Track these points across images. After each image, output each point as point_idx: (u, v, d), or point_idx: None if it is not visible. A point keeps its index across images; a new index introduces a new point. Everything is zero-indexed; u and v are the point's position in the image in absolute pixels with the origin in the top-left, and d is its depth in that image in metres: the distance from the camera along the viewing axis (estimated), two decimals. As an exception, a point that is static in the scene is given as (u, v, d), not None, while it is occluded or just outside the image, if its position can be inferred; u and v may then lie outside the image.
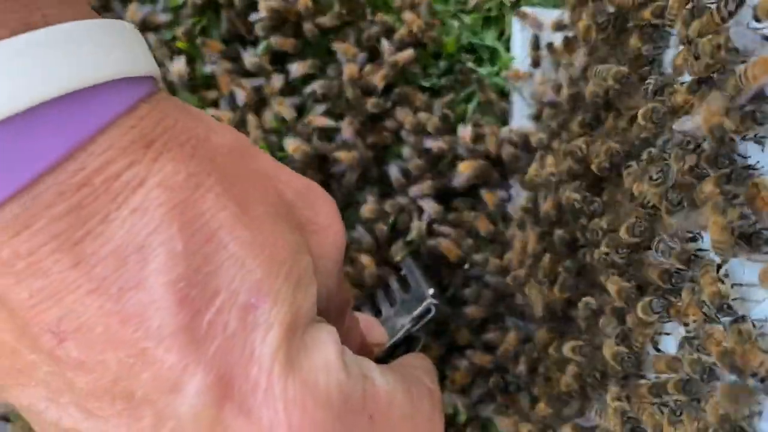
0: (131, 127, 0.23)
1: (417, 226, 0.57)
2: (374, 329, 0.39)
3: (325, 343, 0.26)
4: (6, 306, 0.22)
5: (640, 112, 0.34)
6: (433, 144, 0.58)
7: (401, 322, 0.46)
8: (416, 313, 0.46)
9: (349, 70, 0.58)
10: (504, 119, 0.60)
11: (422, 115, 0.59)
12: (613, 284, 0.37)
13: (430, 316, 0.46)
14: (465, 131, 0.58)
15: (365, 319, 0.39)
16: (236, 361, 0.23)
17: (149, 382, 0.23)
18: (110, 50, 0.23)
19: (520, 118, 0.59)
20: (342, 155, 0.58)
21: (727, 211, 0.28)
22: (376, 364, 0.29)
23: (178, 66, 0.60)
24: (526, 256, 0.50)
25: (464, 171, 0.57)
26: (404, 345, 0.44)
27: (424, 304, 0.47)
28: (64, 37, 0.22)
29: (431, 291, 0.50)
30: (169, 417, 0.23)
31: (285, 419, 0.24)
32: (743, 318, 0.29)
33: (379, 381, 0.28)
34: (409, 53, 0.59)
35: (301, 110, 0.61)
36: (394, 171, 0.59)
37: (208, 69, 0.61)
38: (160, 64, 0.62)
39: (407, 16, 0.60)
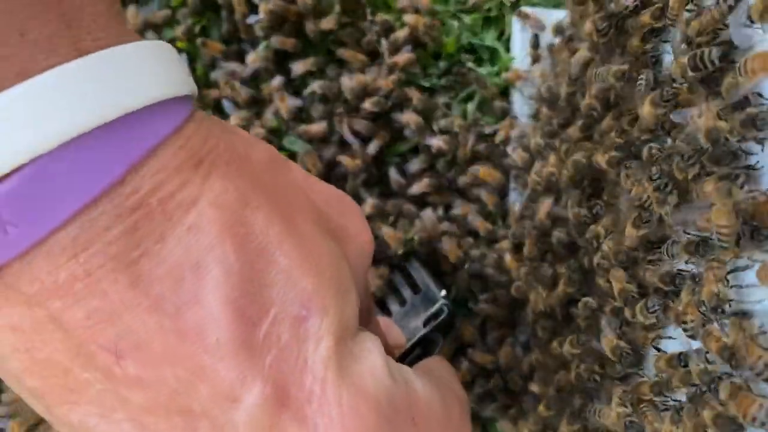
0: (180, 147, 0.23)
1: (421, 224, 0.57)
2: (392, 331, 0.41)
3: (371, 350, 0.27)
4: (61, 327, 0.22)
5: (646, 111, 0.34)
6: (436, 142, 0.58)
7: (414, 323, 0.46)
8: (429, 314, 0.46)
9: (358, 80, 0.58)
10: (504, 119, 0.60)
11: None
12: (615, 281, 0.37)
13: (443, 317, 0.46)
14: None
15: (382, 321, 0.39)
16: (291, 371, 0.24)
17: (207, 396, 0.23)
18: (156, 71, 0.23)
19: (521, 118, 0.59)
20: (347, 162, 0.58)
21: (732, 191, 0.28)
22: (414, 374, 0.30)
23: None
24: (525, 259, 0.50)
25: (484, 177, 0.58)
26: (421, 347, 0.44)
27: (437, 305, 0.47)
28: (114, 61, 0.22)
29: (443, 292, 0.50)
30: (226, 429, 0.24)
31: (340, 424, 0.25)
32: (744, 314, 0.29)
33: (419, 387, 0.29)
34: (408, 56, 0.59)
35: (301, 110, 0.61)
36: (393, 173, 0.59)
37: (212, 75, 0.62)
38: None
39: (409, 18, 0.60)
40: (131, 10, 0.61)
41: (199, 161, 0.24)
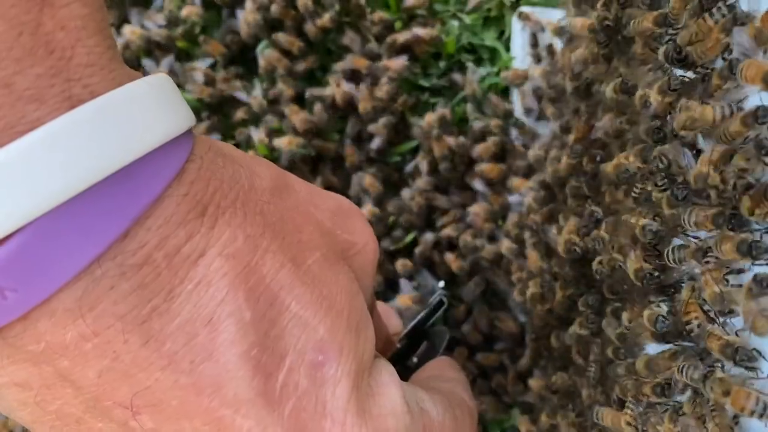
0: (184, 195, 0.22)
1: (424, 241, 0.57)
2: (391, 318, 0.40)
3: (388, 385, 0.27)
4: (73, 384, 0.22)
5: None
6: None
7: (417, 314, 0.46)
8: (428, 304, 0.45)
9: (363, 105, 0.59)
10: (504, 119, 0.60)
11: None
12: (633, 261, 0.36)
13: (444, 308, 0.45)
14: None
15: (382, 309, 0.39)
16: (310, 418, 0.24)
17: None
18: (153, 114, 0.22)
19: (521, 118, 0.59)
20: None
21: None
22: (426, 393, 0.30)
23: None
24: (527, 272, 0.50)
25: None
26: (429, 339, 0.43)
27: (435, 295, 0.46)
28: (108, 111, 0.21)
29: (441, 283, 0.49)
30: None
31: None
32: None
33: (433, 412, 0.29)
34: (401, 62, 0.59)
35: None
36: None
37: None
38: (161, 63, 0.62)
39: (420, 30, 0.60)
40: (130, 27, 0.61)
41: (204, 208, 0.23)
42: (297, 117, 0.59)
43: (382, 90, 0.58)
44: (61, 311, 0.21)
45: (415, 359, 0.41)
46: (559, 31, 0.53)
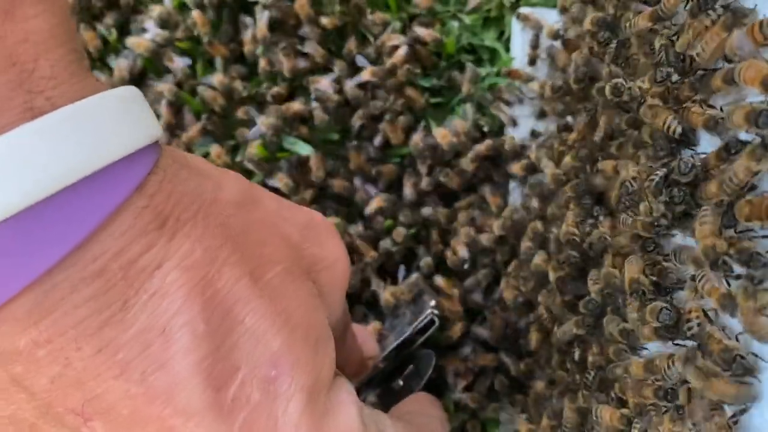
0: (144, 207, 0.23)
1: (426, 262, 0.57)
2: (367, 342, 0.40)
3: (346, 404, 0.27)
4: (26, 390, 0.22)
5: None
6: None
7: (405, 331, 0.45)
8: (417, 323, 0.44)
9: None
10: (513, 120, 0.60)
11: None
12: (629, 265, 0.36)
13: (434, 327, 0.44)
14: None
15: (359, 330, 0.39)
16: (263, 431, 0.24)
17: None
18: (117, 126, 0.22)
19: (521, 118, 0.59)
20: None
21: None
22: (389, 419, 0.30)
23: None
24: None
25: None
26: (413, 364, 0.42)
27: (425, 314, 0.45)
28: (69, 121, 0.21)
29: (433, 302, 0.48)
30: None
31: None
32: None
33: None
34: (401, 55, 0.59)
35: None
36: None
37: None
38: (161, 64, 0.62)
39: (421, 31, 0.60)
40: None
41: (164, 221, 0.23)
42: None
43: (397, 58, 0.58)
44: (14, 319, 0.21)
45: (400, 382, 0.40)
46: (556, 35, 0.53)
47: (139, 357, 0.22)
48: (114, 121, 0.22)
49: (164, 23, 0.60)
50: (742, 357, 0.28)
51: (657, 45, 0.33)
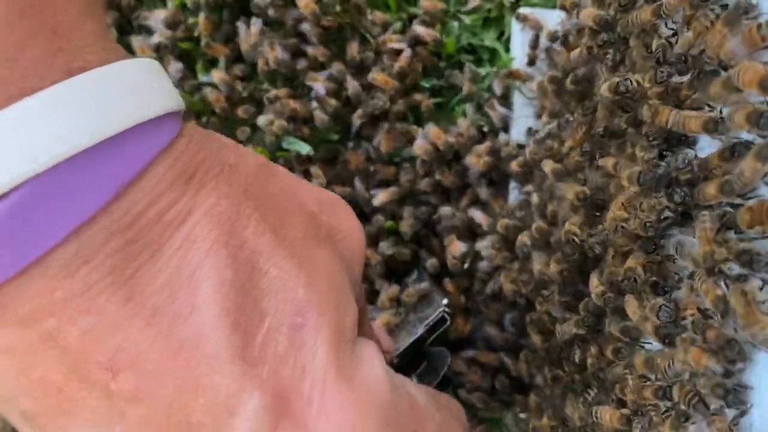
0: (172, 163, 0.24)
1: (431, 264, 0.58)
2: (380, 337, 0.40)
3: (372, 357, 0.27)
4: (57, 345, 0.22)
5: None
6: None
7: (416, 329, 0.44)
8: (429, 321, 0.44)
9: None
10: (505, 119, 0.60)
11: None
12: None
13: (445, 326, 0.44)
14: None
15: (374, 327, 0.39)
16: (289, 379, 0.24)
17: (205, 408, 0.23)
18: (148, 89, 0.24)
19: (521, 118, 0.59)
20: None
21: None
22: (411, 384, 0.30)
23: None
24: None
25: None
26: (430, 360, 0.42)
27: (437, 313, 0.45)
28: (105, 81, 0.22)
29: (445, 300, 0.48)
30: None
31: (341, 424, 0.25)
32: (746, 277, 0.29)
33: (420, 399, 0.29)
34: (405, 57, 0.59)
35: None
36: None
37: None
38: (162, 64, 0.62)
39: (428, 4, 0.60)
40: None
41: (191, 176, 0.24)
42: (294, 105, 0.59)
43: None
44: (54, 269, 0.21)
45: (414, 379, 0.40)
46: (554, 37, 0.53)
47: (167, 306, 0.23)
48: (144, 85, 0.24)
49: (172, 24, 0.61)
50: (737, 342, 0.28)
51: (655, 45, 0.33)
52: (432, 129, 0.58)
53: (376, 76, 0.59)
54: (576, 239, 0.41)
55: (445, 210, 0.58)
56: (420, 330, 0.43)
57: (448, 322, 0.45)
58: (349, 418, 0.25)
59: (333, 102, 0.59)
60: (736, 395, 0.29)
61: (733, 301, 0.28)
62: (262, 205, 0.26)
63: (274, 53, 0.59)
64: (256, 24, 0.60)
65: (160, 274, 0.23)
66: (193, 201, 0.24)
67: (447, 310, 0.45)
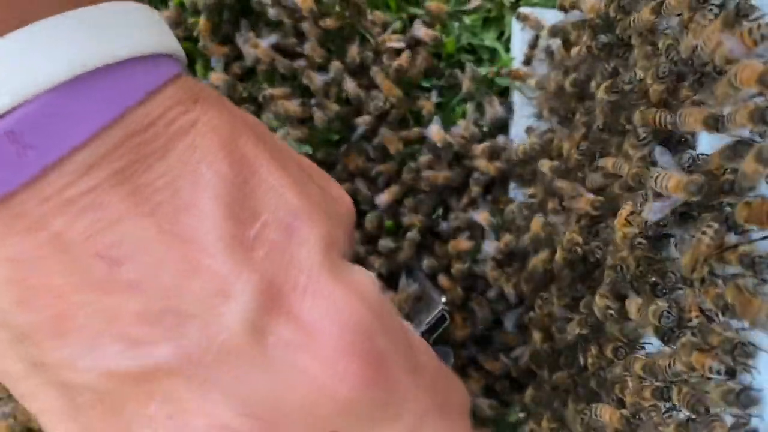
0: (181, 86, 0.26)
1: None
2: None
3: (362, 271, 0.28)
4: (61, 243, 0.23)
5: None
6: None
7: (417, 330, 0.43)
8: (428, 320, 0.44)
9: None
10: (505, 119, 0.60)
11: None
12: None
13: (445, 325, 0.44)
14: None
15: None
16: (282, 266, 0.25)
17: (199, 293, 0.24)
18: (156, 29, 0.26)
19: (521, 118, 0.59)
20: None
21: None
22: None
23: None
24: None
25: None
26: None
27: (436, 311, 0.44)
28: (122, 13, 0.25)
29: (443, 298, 0.48)
30: (218, 330, 0.24)
31: (331, 318, 0.25)
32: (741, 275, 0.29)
33: (413, 331, 0.30)
34: (404, 58, 0.59)
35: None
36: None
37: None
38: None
39: (432, 5, 0.60)
40: None
41: (197, 98, 0.26)
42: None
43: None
44: (71, 169, 0.23)
45: None
46: (555, 32, 0.53)
47: (171, 198, 0.24)
48: (154, 24, 0.26)
49: (173, 25, 0.61)
50: (744, 344, 0.28)
51: (661, 44, 0.33)
52: (433, 127, 0.59)
53: (380, 81, 0.59)
54: (579, 248, 0.41)
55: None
56: (420, 329, 0.42)
57: (448, 321, 0.44)
58: (341, 307, 0.25)
59: (334, 106, 0.59)
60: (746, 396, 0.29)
61: (729, 297, 0.29)
62: (261, 135, 0.28)
63: (261, 50, 0.59)
64: (269, 39, 0.61)
65: (165, 175, 0.24)
66: (198, 115, 0.26)
67: (446, 308, 0.45)
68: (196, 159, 0.25)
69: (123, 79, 0.24)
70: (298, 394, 0.25)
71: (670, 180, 0.30)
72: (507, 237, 0.54)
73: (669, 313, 0.32)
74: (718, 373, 0.29)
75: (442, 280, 0.56)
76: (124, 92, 0.24)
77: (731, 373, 0.29)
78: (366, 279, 0.27)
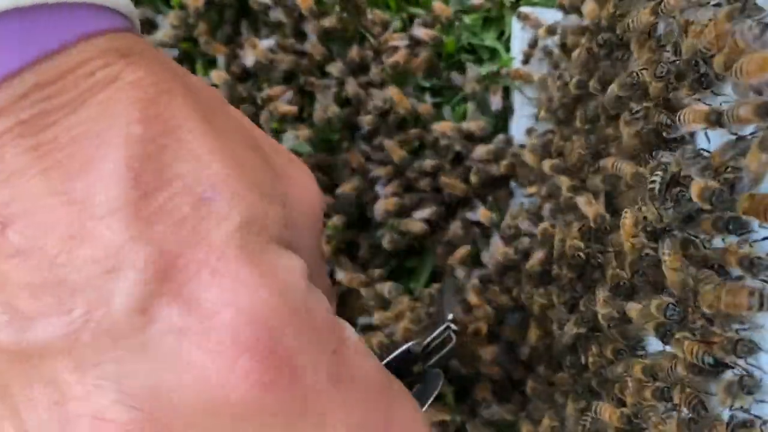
0: (111, 40, 0.23)
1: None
2: None
3: (293, 259, 0.24)
4: None
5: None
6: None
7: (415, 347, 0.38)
8: (431, 339, 0.38)
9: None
10: (505, 119, 0.60)
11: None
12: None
13: (450, 346, 0.38)
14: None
15: None
16: (189, 244, 0.22)
17: (86, 262, 0.21)
18: None
19: (521, 118, 0.59)
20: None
21: None
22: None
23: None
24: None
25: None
26: (422, 383, 0.36)
27: (440, 329, 0.39)
28: None
29: (450, 316, 0.42)
30: (104, 308, 0.21)
31: (239, 306, 0.22)
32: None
33: (352, 335, 0.25)
34: (401, 54, 0.59)
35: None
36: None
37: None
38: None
39: (437, 6, 0.60)
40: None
41: (128, 53, 0.23)
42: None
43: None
44: None
45: None
46: (552, 31, 0.53)
47: (71, 157, 0.22)
48: None
49: (177, 26, 0.61)
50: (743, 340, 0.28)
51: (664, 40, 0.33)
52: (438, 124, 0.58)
53: (393, 95, 0.58)
54: (581, 254, 0.41)
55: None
56: (419, 348, 0.37)
57: (454, 341, 0.39)
58: (246, 288, 0.22)
59: (335, 109, 0.59)
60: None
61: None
62: (202, 102, 0.24)
63: (256, 52, 0.59)
64: (264, 42, 0.61)
65: (71, 130, 0.22)
66: (120, 70, 0.23)
67: (453, 327, 0.39)
68: (109, 116, 0.22)
69: (38, 26, 0.22)
70: (188, 389, 0.22)
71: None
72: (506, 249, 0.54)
73: (674, 306, 0.31)
74: (710, 365, 0.29)
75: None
76: (37, 39, 0.22)
77: (722, 366, 0.29)
78: (292, 268, 0.24)
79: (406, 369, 0.36)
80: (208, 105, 0.25)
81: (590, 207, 0.41)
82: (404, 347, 0.36)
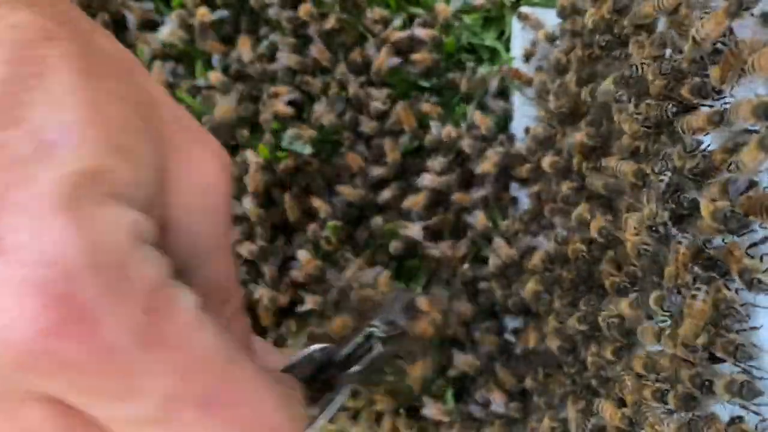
0: None
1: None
2: (269, 355, 0.32)
3: (123, 216, 0.23)
4: None
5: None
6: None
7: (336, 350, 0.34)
8: (351, 344, 0.34)
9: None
10: (505, 119, 0.60)
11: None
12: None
13: (375, 354, 0.34)
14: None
15: (259, 344, 0.32)
16: (10, 181, 0.21)
17: None
18: None
19: (521, 118, 0.59)
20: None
21: None
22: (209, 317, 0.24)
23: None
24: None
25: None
26: (334, 389, 0.33)
27: (359, 337, 0.35)
28: None
29: (383, 322, 0.36)
30: None
31: (38, 246, 0.21)
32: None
33: (189, 306, 0.23)
34: (393, 60, 0.60)
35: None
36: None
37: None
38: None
39: (439, 6, 0.61)
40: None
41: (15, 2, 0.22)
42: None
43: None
44: None
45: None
46: (550, 37, 0.54)
47: None
48: None
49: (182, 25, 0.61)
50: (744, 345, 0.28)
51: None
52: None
53: (399, 112, 0.59)
54: (584, 255, 0.42)
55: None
56: (307, 351, 0.33)
57: (380, 351, 0.34)
58: (49, 239, 0.21)
59: (334, 119, 0.59)
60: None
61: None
62: (90, 56, 0.24)
63: (249, 53, 0.60)
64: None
65: None
66: (6, 13, 0.22)
67: (380, 333, 0.35)
68: None
69: None
70: None
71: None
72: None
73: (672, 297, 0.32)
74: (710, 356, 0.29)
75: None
76: None
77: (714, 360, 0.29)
78: (117, 223, 0.22)
79: (319, 376, 0.33)
80: (102, 62, 0.24)
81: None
82: (306, 352, 0.33)
